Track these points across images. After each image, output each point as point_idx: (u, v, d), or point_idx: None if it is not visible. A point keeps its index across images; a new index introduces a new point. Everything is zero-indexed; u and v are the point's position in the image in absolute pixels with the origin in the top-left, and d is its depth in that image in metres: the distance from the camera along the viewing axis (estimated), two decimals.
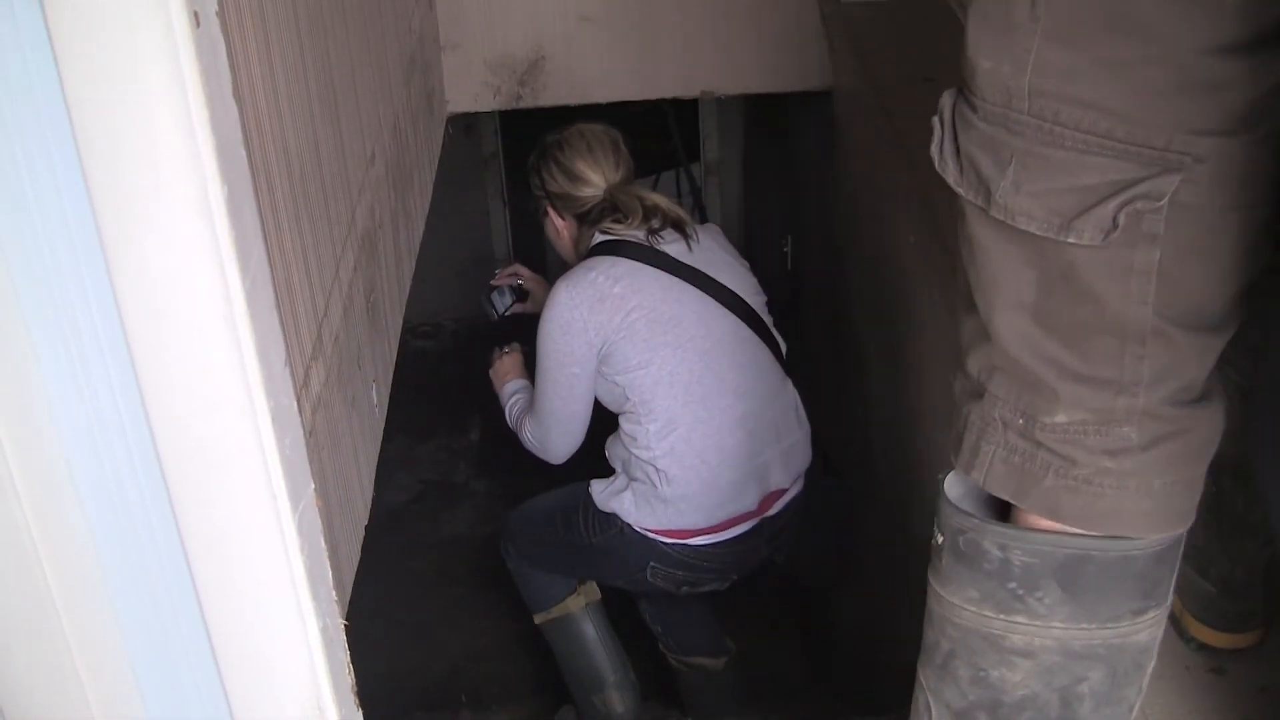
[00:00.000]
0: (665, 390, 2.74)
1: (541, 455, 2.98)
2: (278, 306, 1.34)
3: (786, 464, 2.90)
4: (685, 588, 2.96)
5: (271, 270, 1.43)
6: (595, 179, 2.88)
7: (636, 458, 2.79)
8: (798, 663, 3.84)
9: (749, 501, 2.84)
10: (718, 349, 2.79)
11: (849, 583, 3.36)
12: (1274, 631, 1.91)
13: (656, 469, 2.77)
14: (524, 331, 3.04)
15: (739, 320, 2.84)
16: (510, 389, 3.15)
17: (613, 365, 2.75)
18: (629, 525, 2.83)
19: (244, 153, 1.10)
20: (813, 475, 3.01)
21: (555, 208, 2.97)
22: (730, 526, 2.85)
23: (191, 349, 1.07)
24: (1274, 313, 1.25)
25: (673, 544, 2.84)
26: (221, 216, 1.02)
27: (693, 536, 2.83)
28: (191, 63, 0.97)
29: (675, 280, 2.79)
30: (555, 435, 2.90)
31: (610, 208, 2.87)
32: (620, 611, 3.28)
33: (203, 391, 1.09)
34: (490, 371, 3.25)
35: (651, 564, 2.87)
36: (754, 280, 2.95)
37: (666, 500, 2.78)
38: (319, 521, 1.22)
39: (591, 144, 2.89)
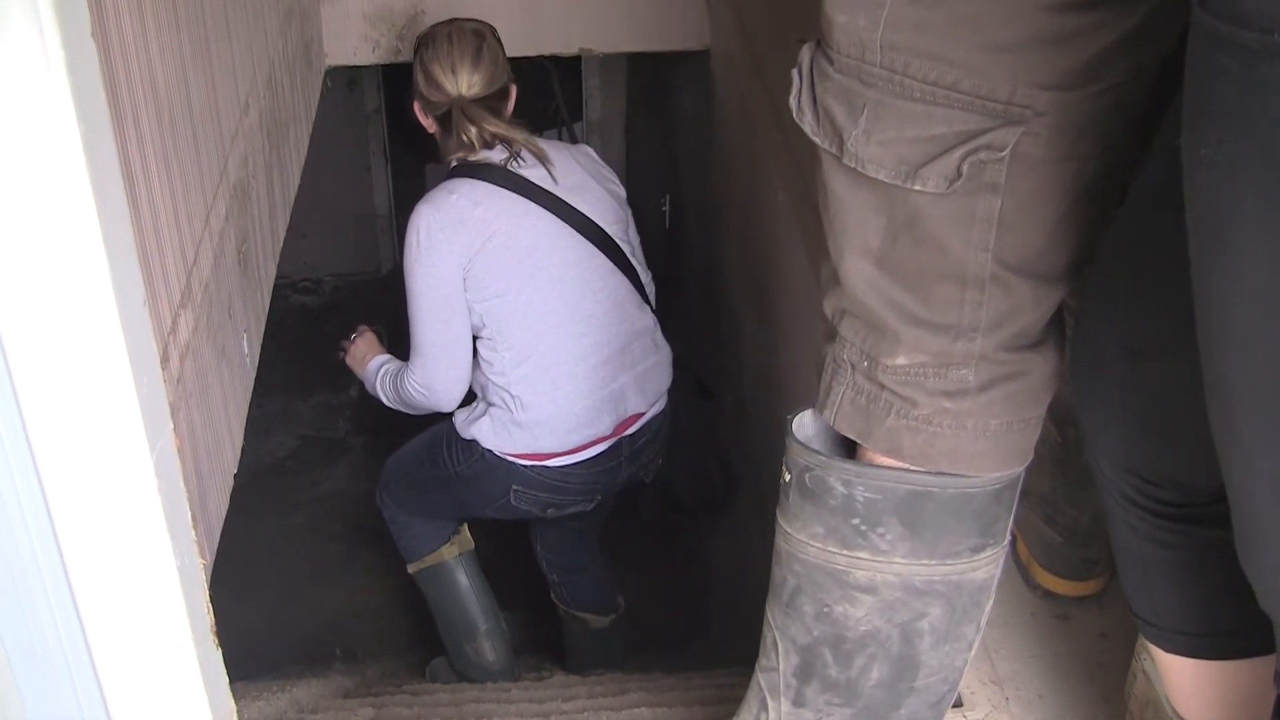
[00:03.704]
0: (520, 321, 2.74)
1: (433, 404, 2.87)
2: (140, 248, 1.35)
3: (642, 388, 2.90)
4: (551, 510, 2.97)
5: (138, 215, 1.44)
6: (447, 86, 2.78)
7: (493, 383, 2.79)
8: (677, 619, 3.89)
9: (604, 427, 2.85)
10: (571, 276, 2.78)
11: (730, 507, 3.34)
12: (1116, 579, 1.97)
13: (511, 394, 2.77)
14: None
15: (594, 248, 2.81)
16: (374, 365, 3.05)
17: (471, 291, 2.72)
18: (489, 451, 2.84)
19: (104, 94, 1.10)
20: (677, 394, 3.02)
21: (421, 105, 2.89)
22: (586, 449, 2.87)
23: (49, 289, 1.07)
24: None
25: (531, 466, 2.85)
26: (78, 155, 1.02)
27: (549, 459, 2.85)
28: (49, 4, 0.98)
29: (532, 206, 2.75)
30: (442, 369, 2.79)
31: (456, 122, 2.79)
32: (493, 565, 3.29)
33: (61, 331, 1.09)
34: (346, 360, 3.15)
35: (514, 488, 2.88)
36: (616, 205, 2.89)
37: (522, 425, 2.79)
38: (177, 462, 1.22)
39: (452, 48, 2.79)
